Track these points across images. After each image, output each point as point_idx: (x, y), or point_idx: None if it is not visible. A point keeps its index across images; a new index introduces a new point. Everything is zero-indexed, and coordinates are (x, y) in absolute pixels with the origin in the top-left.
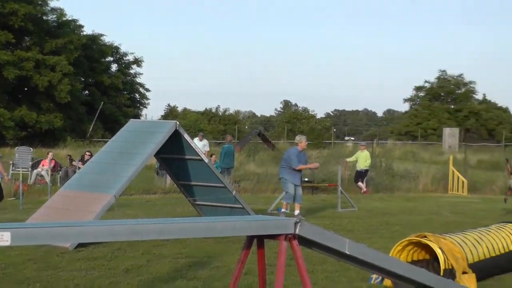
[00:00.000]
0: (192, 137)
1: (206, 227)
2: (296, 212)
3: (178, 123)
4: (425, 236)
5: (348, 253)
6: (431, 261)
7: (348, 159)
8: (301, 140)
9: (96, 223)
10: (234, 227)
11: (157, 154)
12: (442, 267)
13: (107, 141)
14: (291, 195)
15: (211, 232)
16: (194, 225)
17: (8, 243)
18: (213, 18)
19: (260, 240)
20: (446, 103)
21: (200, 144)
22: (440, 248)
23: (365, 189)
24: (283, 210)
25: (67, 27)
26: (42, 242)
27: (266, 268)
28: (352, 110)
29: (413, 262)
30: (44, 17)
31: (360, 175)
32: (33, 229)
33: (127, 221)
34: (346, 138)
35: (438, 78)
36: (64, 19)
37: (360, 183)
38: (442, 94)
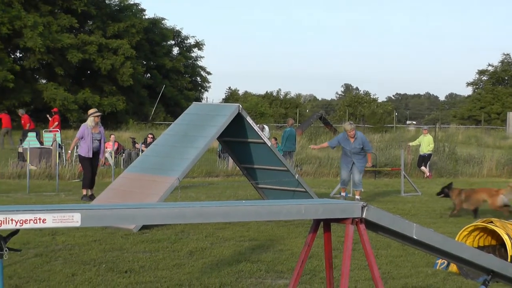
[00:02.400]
0: (254, 120)
1: (273, 210)
2: (357, 197)
3: (241, 106)
4: (492, 222)
5: (415, 237)
6: (497, 247)
7: (411, 143)
8: (345, 128)
9: (165, 205)
10: (300, 211)
11: (220, 137)
12: (509, 253)
13: (169, 124)
14: (343, 180)
15: (277, 216)
16: (261, 208)
17: (78, 224)
18: (276, 0)
19: (327, 224)
20: (510, 87)
21: None
22: (507, 234)
23: (428, 174)
24: (342, 194)
25: (129, 11)
26: (111, 223)
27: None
28: (414, 94)
29: (479, 248)
30: (107, 1)
31: (423, 159)
32: (103, 210)
33: (194, 204)
34: (408, 122)
35: (502, 61)
36: (126, 3)
37: (423, 168)
38: (506, 78)
